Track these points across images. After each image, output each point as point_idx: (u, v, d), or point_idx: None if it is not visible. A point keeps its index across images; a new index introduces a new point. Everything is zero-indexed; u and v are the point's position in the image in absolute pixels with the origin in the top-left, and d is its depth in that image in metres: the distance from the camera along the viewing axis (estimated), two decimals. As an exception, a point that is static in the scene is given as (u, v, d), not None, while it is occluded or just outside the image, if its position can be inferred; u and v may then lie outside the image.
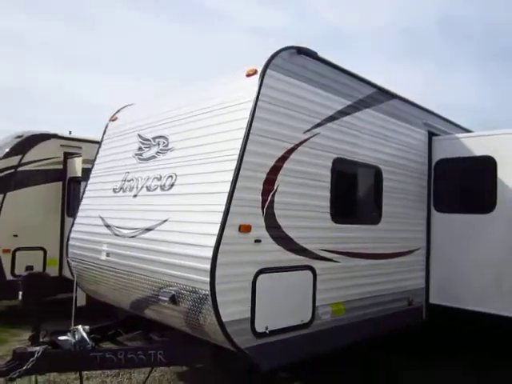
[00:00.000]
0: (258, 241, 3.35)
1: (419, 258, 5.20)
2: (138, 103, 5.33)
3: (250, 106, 3.36)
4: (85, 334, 3.65)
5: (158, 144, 4.23)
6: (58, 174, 7.28)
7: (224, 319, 3.08)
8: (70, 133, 7.79)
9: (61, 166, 7.31)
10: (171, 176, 3.86)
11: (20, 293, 3.63)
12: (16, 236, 6.81)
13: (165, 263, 3.52)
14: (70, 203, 7.29)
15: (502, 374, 4.93)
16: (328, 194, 3.99)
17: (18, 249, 6.83)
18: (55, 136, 7.27)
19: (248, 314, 3.26)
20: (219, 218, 3.15)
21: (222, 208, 3.16)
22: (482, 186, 5.01)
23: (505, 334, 4.80)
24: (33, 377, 3.50)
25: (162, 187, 3.91)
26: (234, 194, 3.18)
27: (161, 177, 3.99)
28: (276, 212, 3.49)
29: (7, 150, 6.86)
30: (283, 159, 3.57)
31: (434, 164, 5.38)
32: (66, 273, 7.20)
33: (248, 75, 3.54)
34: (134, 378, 4.94)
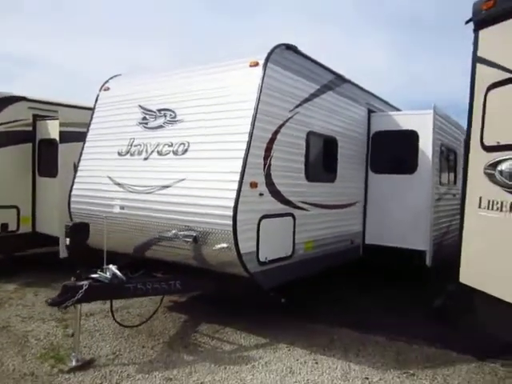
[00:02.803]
0: (261, 194, 4.47)
1: (359, 208, 6.69)
2: (128, 75, 5.96)
3: (256, 91, 4.36)
4: (117, 271, 4.53)
5: (165, 116, 5.04)
6: (27, 136, 7.54)
7: (242, 251, 4.21)
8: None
9: (30, 128, 7.57)
10: (183, 143, 4.75)
11: (67, 239, 4.34)
12: (-10, 195, 7.10)
13: (186, 212, 4.49)
14: (41, 164, 7.66)
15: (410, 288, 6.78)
16: (303, 159, 5.19)
17: (-6, 207, 7.15)
18: (24, 98, 7.46)
19: (255, 248, 4.42)
20: (237, 177, 4.19)
21: (239, 169, 4.20)
22: (407, 153, 6.54)
23: (417, 261, 6.51)
24: (78, 306, 4.34)
25: (175, 152, 4.79)
26: (248, 159, 4.23)
27: (172, 143, 4.85)
28: (272, 173, 4.61)
29: (-23, 111, 6.98)
30: (276, 132, 4.66)
31: (371, 135, 6.81)
32: (40, 228, 7.70)
33: (251, 66, 4.51)
34: (131, 312, 5.89)
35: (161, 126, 5.04)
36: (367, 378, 4.18)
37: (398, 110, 7.89)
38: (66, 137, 7.02)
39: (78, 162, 5.86)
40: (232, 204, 4.13)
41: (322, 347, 4.85)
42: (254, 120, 4.30)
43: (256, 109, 4.32)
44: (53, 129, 7.23)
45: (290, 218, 4.97)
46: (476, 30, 3.83)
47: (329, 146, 5.77)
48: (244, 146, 4.24)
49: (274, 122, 4.63)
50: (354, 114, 6.41)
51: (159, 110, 5.12)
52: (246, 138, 4.26)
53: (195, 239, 4.42)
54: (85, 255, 4.45)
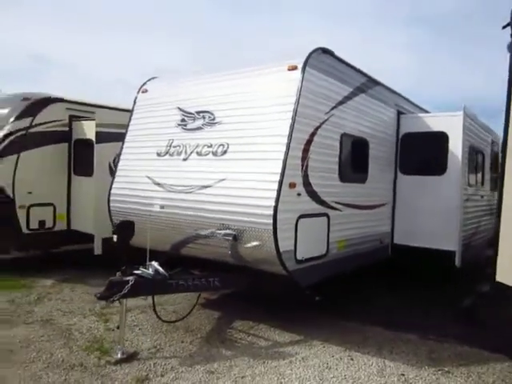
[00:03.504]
0: (299, 194, 4.61)
1: (388, 209, 6.77)
2: (165, 77, 6.15)
3: (295, 94, 4.50)
4: (159, 267, 4.71)
5: (204, 118, 5.21)
6: (64, 136, 7.82)
7: (281, 250, 4.35)
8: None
9: (66, 128, 7.84)
10: (222, 145, 4.92)
11: (115, 236, 4.54)
12: (30, 193, 7.38)
13: (226, 211, 4.65)
14: (77, 163, 7.92)
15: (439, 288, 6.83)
16: (337, 160, 5.30)
17: (32, 205, 7.42)
18: (61, 100, 7.73)
19: (293, 247, 4.55)
20: (277, 177, 4.33)
21: (279, 170, 4.34)
22: (437, 155, 6.60)
23: (446, 262, 6.56)
24: (124, 300, 4.53)
25: (215, 153, 4.95)
26: (287, 161, 4.37)
27: (211, 145, 5.02)
28: (309, 173, 4.74)
29: (18, 112, 7.26)
30: (313, 134, 4.79)
31: (400, 136, 6.88)
32: (74, 226, 7.97)
33: (289, 69, 4.65)
34: (166, 309, 6.07)
35: (200, 128, 5.21)
36: (403, 375, 4.28)
37: (425, 111, 7.94)
38: (101, 137, 7.27)
39: (117, 162, 6.07)
40: (272, 203, 4.28)
41: (355, 344, 4.96)
42: (294, 122, 4.43)
43: (295, 111, 4.45)
44: (89, 129, 7.48)
45: (325, 217, 5.09)
46: (515, 35, 3.90)
47: (360, 147, 5.87)
48: (284, 148, 4.38)
49: (312, 124, 4.76)
50: (384, 115, 6.49)
51: (198, 112, 5.30)
52: (285, 139, 4.40)
53: (235, 237, 4.57)
54: (129, 252, 4.63)
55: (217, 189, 4.78)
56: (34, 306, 6.00)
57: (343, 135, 5.37)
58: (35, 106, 7.42)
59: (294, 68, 4.62)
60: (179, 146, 5.34)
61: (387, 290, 6.98)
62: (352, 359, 4.61)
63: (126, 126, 6.15)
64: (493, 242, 3.98)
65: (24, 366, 4.21)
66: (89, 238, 7.73)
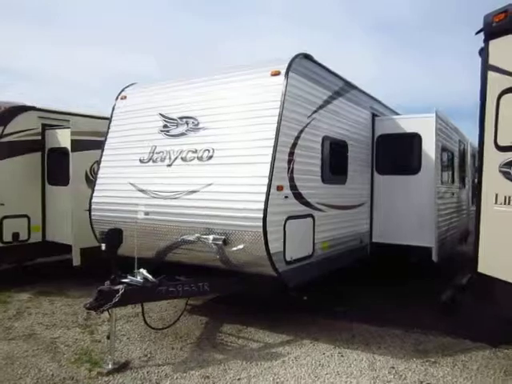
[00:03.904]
0: (286, 197, 4.69)
1: (366, 209, 6.97)
2: (144, 83, 6.12)
3: (280, 99, 4.59)
4: (148, 275, 4.67)
5: (187, 123, 5.22)
6: (36, 145, 7.60)
7: (271, 251, 4.42)
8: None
9: (39, 137, 7.63)
10: (208, 150, 4.94)
11: (103, 245, 4.46)
12: (2, 205, 7.13)
13: (215, 216, 4.67)
14: (51, 172, 7.71)
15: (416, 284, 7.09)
16: (319, 163, 5.44)
17: (5, 217, 7.17)
18: (33, 108, 7.52)
19: (281, 248, 4.63)
20: (265, 180, 4.40)
21: (267, 173, 4.42)
22: (411, 155, 6.87)
23: (423, 258, 6.82)
24: (113, 310, 4.46)
25: (200, 158, 4.97)
26: (275, 164, 4.45)
27: (196, 150, 5.03)
28: (294, 176, 4.84)
29: (-13, 121, 7.02)
30: (297, 138, 4.90)
31: (375, 138, 7.11)
32: (50, 237, 7.76)
33: (273, 75, 4.74)
34: (152, 316, 6.00)
35: (183, 134, 5.22)
36: (393, 368, 4.43)
37: (397, 113, 8.23)
38: (77, 145, 7.11)
39: (97, 170, 5.97)
40: (262, 206, 4.34)
41: (344, 342, 5.08)
42: (279, 126, 4.52)
43: (281, 115, 4.54)
44: (63, 138, 7.31)
45: (310, 218, 5.20)
46: (486, 40, 4.15)
47: (340, 149, 6.03)
48: (270, 152, 4.46)
49: (296, 128, 4.87)
50: (361, 118, 6.70)
51: (181, 118, 5.30)
52: (271, 143, 4.48)
53: (225, 241, 4.61)
54: (117, 261, 4.56)
55: (204, 193, 4.80)
56: (13, 321, 5.80)
57: (324, 138, 5.51)
58: (5, 114, 7.19)
59: (277, 73, 4.71)
60: (162, 153, 5.33)
61: (369, 289, 7.17)
62: (342, 356, 4.72)
63: (105, 134, 6.07)
64: (474, 236, 4.19)
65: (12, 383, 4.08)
66: (64, 249, 7.55)
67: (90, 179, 7.47)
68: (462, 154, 9.12)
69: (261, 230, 4.34)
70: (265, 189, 4.38)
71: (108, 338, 4.52)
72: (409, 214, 6.80)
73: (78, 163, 7.20)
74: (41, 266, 8.41)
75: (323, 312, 6.03)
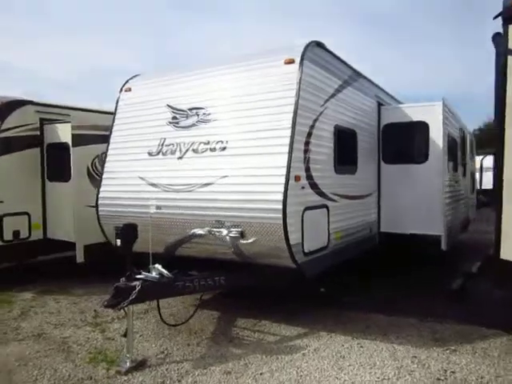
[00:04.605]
0: (303, 187, 4.61)
1: (375, 198, 6.92)
2: (149, 74, 5.95)
3: (295, 88, 4.49)
4: (163, 270, 4.56)
5: (197, 114, 5.09)
6: (35, 141, 7.38)
7: (291, 243, 4.33)
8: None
9: (37, 133, 7.41)
10: (221, 141, 4.83)
11: (118, 240, 4.32)
12: (2, 202, 6.92)
13: (231, 208, 4.57)
14: (51, 168, 7.51)
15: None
16: (332, 152, 5.36)
17: (5, 215, 6.97)
18: (31, 102, 7.29)
19: (300, 240, 4.55)
20: (284, 171, 4.31)
21: (285, 164, 4.32)
22: (418, 144, 6.83)
23: (433, 246, 6.82)
24: (130, 307, 4.34)
25: (213, 150, 4.85)
26: (293, 154, 4.36)
27: (208, 141, 4.91)
28: (310, 166, 4.76)
29: (-16, 116, 6.78)
30: (312, 127, 4.81)
31: (382, 127, 7.05)
32: (52, 235, 7.57)
33: (286, 63, 4.63)
34: (163, 313, 5.88)
35: (194, 125, 5.09)
36: (415, 357, 4.40)
37: (400, 102, 8.18)
38: (78, 140, 6.93)
39: (104, 164, 5.81)
40: (281, 197, 4.25)
41: (360, 332, 5.04)
42: (296, 115, 4.43)
43: (297, 104, 4.45)
44: (64, 132, 7.10)
45: (325, 209, 5.13)
46: (505, 24, 4.09)
47: (350, 138, 5.97)
48: (288, 141, 4.37)
49: (310, 117, 4.78)
50: (367, 107, 6.63)
51: (190, 109, 5.17)
52: (288, 133, 4.39)
53: (242, 234, 4.51)
54: (133, 256, 4.43)
55: (219, 186, 4.69)
56: (20, 322, 5.64)
57: (336, 127, 5.43)
58: (2, 109, 6.96)
59: (291, 62, 4.61)
60: (172, 145, 5.19)
61: (379, 278, 7.15)
62: (362, 346, 4.68)
63: (110, 127, 5.90)
64: (495, 222, 4.15)
65: (29, 386, 3.95)
66: (66, 246, 7.39)
67: (92, 174, 7.32)
68: (463, 142, 9.12)
69: (281, 221, 4.25)
70: (283, 179, 4.29)
71: (124, 336, 4.40)
72: (417, 202, 6.77)
73: (79, 158, 7.02)
74: (40, 263, 8.21)
75: (335, 303, 5.98)
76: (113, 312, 5.81)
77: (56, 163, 7.38)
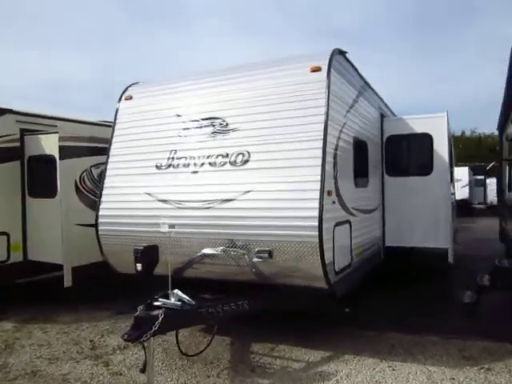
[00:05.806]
0: (334, 202, 4.34)
1: (380, 212, 6.78)
2: (152, 82, 5.53)
3: (324, 97, 4.24)
4: (184, 295, 4.13)
5: (213, 125, 4.73)
6: (14, 153, 6.72)
7: (326, 261, 4.04)
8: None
9: (18, 144, 6.75)
10: (242, 153, 4.48)
11: (139, 264, 3.86)
12: (-23, 222, 6.21)
13: (257, 226, 4.22)
14: (33, 183, 6.85)
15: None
16: (352, 165, 5.15)
17: (-19, 236, 6.26)
18: (10, 111, 6.63)
19: (332, 258, 4.27)
20: (318, 185, 4.03)
21: (319, 178, 4.04)
22: (422, 156, 6.78)
23: (440, 259, 6.74)
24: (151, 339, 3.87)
25: (233, 163, 4.50)
26: (325, 167, 4.09)
27: (227, 154, 4.56)
28: (338, 179, 4.51)
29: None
30: (338, 138, 4.58)
31: (385, 139, 6.95)
32: (33, 256, 6.89)
33: (313, 71, 4.38)
34: (168, 341, 5.39)
35: (210, 136, 4.72)
36: (453, 379, 4.20)
37: (394, 115, 8.16)
38: (66, 152, 6.35)
39: (103, 179, 5.29)
40: (316, 214, 3.96)
41: (387, 353, 4.79)
42: (326, 126, 4.18)
43: (327, 114, 4.20)
44: (49, 144, 6.48)
45: (347, 224, 4.89)
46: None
47: (364, 151, 5.80)
48: (320, 153, 4.10)
49: (338, 128, 4.55)
50: (373, 118, 6.51)
51: (204, 119, 4.80)
52: (320, 144, 4.13)
53: (270, 254, 4.17)
54: (152, 281, 3.99)
55: (242, 202, 4.33)
56: (6, 357, 4.99)
57: (354, 139, 5.24)
58: (-21, 119, 6.28)
59: (318, 69, 4.37)
60: (185, 158, 4.79)
61: (388, 294, 6.95)
62: (393, 369, 4.43)
63: (110, 138, 5.41)
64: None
65: None
66: (49, 268, 6.74)
67: (81, 190, 6.74)
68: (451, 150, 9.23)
69: (316, 239, 3.96)
70: (317, 194, 4.00)
71: (142, 371, 3.94)
72: (422, 215, 6.68)
73: (66, 172, 6.43)
74: (17, 286, 7.45)
75: (347, 321, 5.71)
76: (113, 342, 5.30)
77: (39, 178, 6.73)
